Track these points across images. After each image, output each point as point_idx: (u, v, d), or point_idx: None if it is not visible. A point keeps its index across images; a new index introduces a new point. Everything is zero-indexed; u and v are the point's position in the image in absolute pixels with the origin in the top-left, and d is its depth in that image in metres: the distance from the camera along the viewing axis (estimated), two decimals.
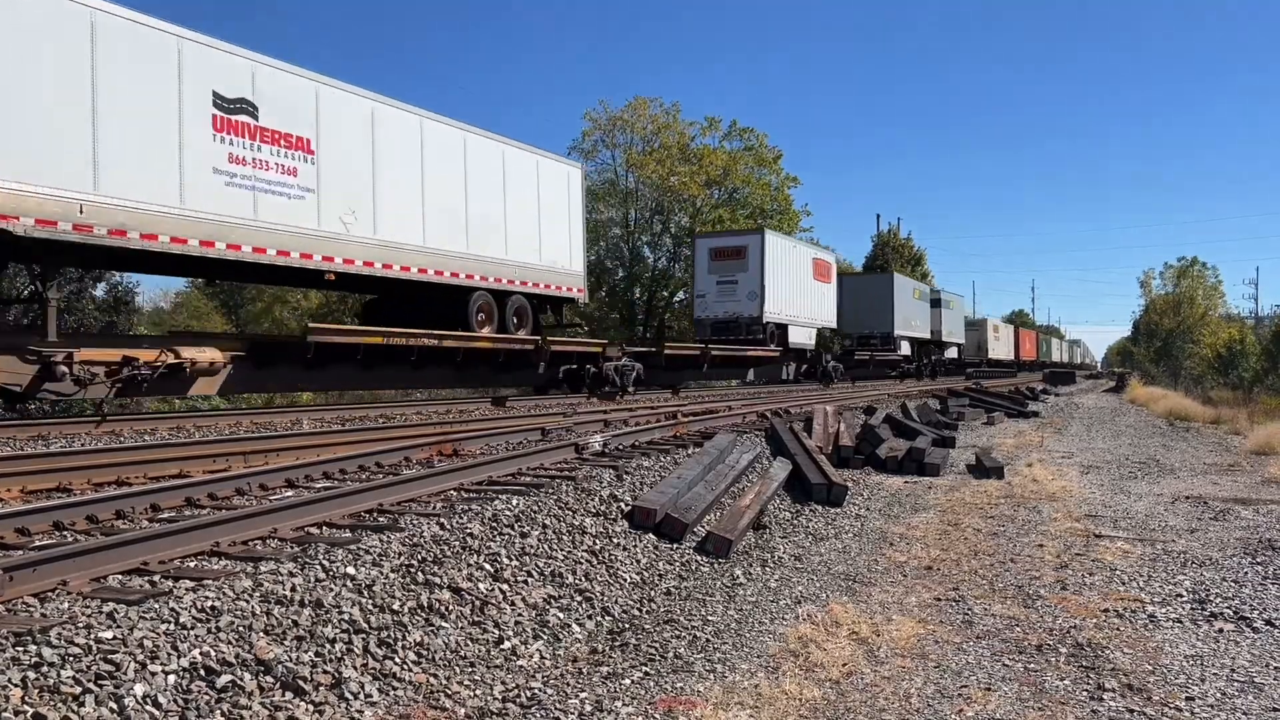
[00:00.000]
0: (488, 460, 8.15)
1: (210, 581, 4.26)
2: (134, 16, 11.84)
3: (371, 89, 15.58)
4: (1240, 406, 27.52)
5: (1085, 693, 4.49)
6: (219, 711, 3.40)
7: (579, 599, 5.54)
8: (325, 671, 3.86)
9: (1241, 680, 4.69)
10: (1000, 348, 62.13)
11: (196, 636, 3.71)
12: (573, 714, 4.03)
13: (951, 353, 51.67)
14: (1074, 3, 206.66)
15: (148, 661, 3.45)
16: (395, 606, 4.56)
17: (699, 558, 6.87)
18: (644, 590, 6.03)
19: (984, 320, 60.75)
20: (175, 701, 3.34)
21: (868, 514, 9.24)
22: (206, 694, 3.45)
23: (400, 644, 4.30)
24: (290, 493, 6.89)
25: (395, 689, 3.99)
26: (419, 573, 4.97)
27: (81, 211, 11.03)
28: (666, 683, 4.48)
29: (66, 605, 3.90)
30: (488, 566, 5.38)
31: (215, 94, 12.88)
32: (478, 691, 4.16)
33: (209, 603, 3.97)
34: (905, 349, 40.79)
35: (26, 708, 3.04)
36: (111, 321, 22.92)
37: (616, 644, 5.06)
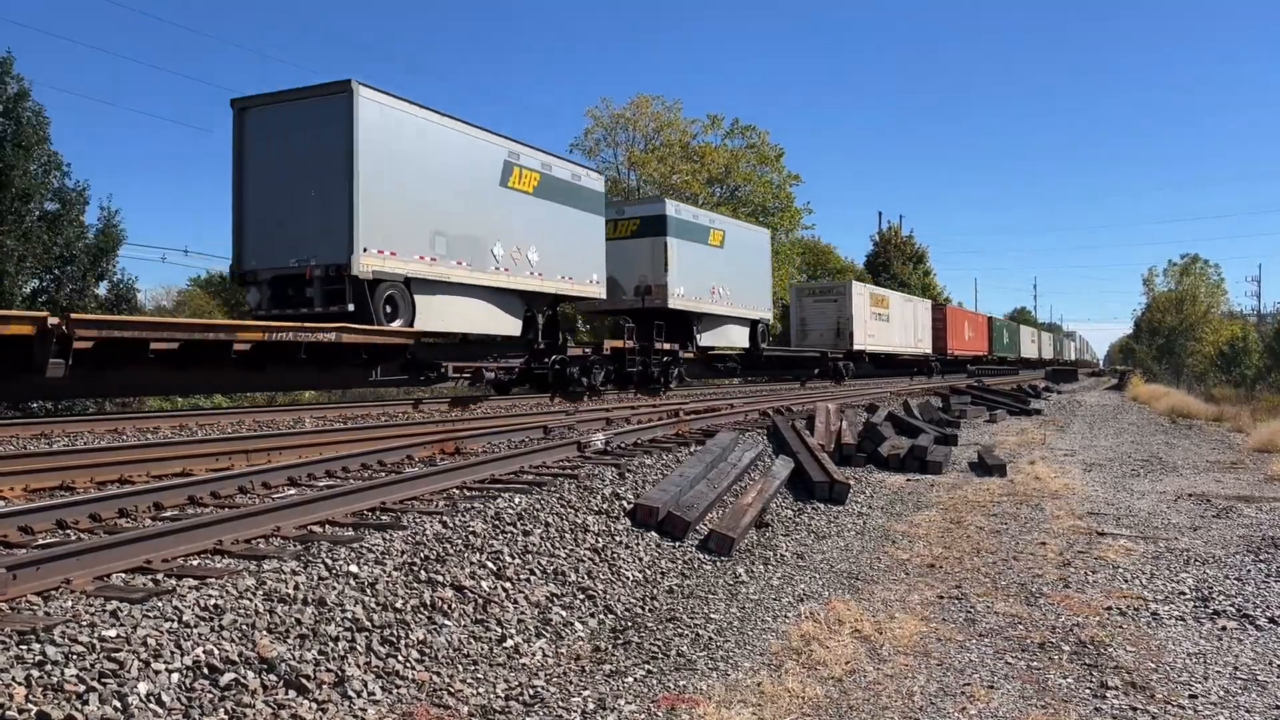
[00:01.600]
0: (490, 458, 8.15)
1: (213, 580, 4.26)
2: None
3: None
4: (1242, 404, 27.54)
5: (1088, 690, 4.49)
6: (222, 709, 3.40)
7: (581, 597, 5.55)
8: (328, 670, 3.86)
9: (1244, 678, 4.68)
10: (892, 334, 38.14)
11: (200, 635, 3.71)
12: (575, 712, 4.03)
13: (730, 336, 25.89)
14: (1076, 1, 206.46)
15: (151, 660, 3.45)
16: (398, 605, 4.56)
17: (701, 556, 6.87)
18: (646, 588, 6.03)
19: (846, 286, 35.18)
20: (179, 700, 3.35)
21: (870, 512, 9.23)
22: (210, 692, 3.45)
23: (403, 642, 4.30)
24: (293, 491, 6.89)
25: (398, 687, 3.99)
26: (422, 571, 4.97)
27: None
28: (669, 680, 4.49)
29: (70, 604, 3.91)
30: (490, 565, 5.38)
31: None
32: (481, 689, 4.16)
33: (212, 601, 3.98)
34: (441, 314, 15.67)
35: (31, 706, 3.04)
36: None
37: (619, 642, 5.06)
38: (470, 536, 5.60)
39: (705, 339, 24.95)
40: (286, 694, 3.63)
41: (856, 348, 34.06)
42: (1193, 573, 6.81)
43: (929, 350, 43.85)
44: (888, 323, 38.02)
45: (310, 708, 3.60)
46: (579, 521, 6.54)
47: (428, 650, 4.35)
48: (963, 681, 4.59)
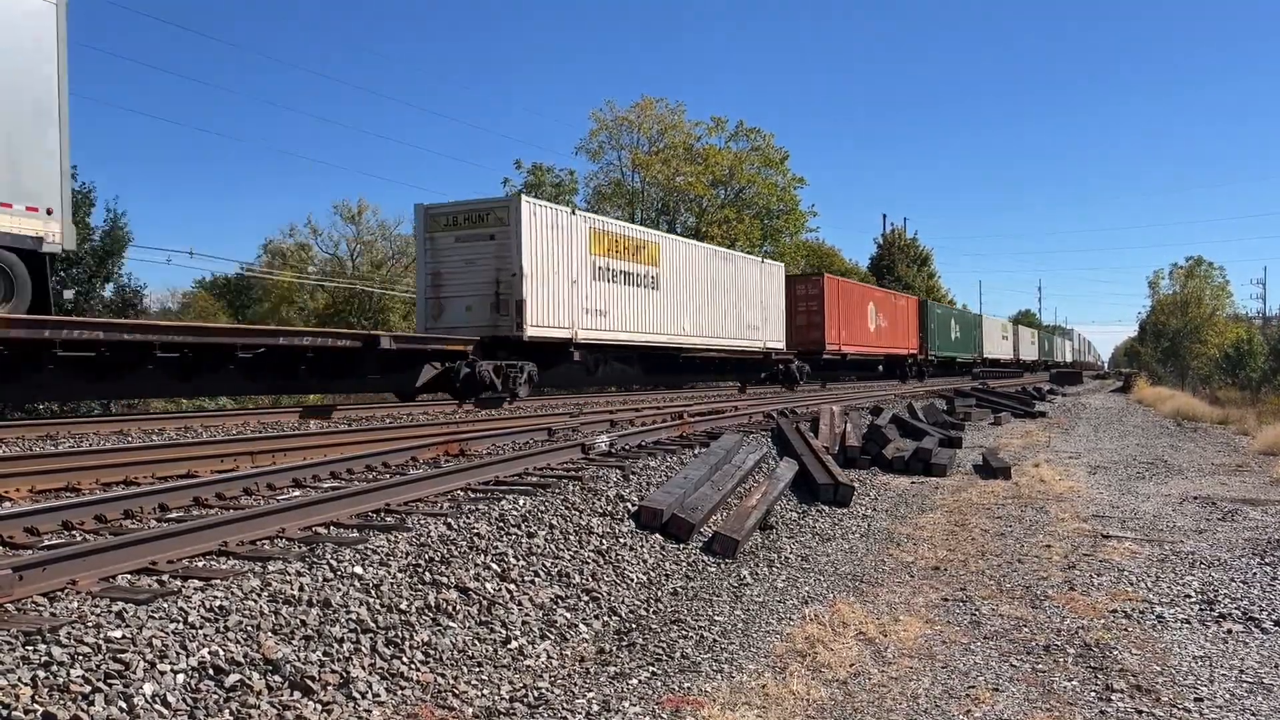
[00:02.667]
0: (494, 460, 8.15)
1: (218, 581, 4.27)
2: None
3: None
4: (1248, 407, 27.47)
5: (1093, 693, 4.48)
6: (227, 710, 3.40)
7: (586, 599, 5.55)
8: (333, 671, 3.86)
9: (1250, 681, 4.67)
10: (659, 313, 21.76)
11: (205, 636, 3.72)
12: (580, 714, 4.03)
13: None
14: (1082, 3, 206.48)
15: (157, 661, 3.46)
16: (402, 606, 4.56)
17: (706, 558, 6.87)
18: (651, 590, 6.03)
19: (511, 208, 17.49)
20: (184, 700, 3.35)
21: (874, 514, 9.22)
22: (215, 693, 3.46)
23: (408, 643, 4.30)
24: (298, 492, 6.90)
25: (403, 688, 3.99)
26: (426, 572, 4.97)
27: None
28: (674, 682, 4.48)
29: (75, 604, 3.91)
30: (495, 566, 5.38)
31: None
32: (485, 691, 4.16)
33: (217, 602, 3.98)
34: None
35: (36, 706, 3.05)
36: None
37: (624, 644, 5.06)
38: (475, 538, 5.60)
39: None
40: (291, 695, 3.63)
41: (534, 334, 17.26)
42: (1198, 575, 6.80)
43: (779, 344, 27.24)
44: (652, 290, 21.07)
45: (315, 709, 3.60)
46: (583, 523, 6.54)
47: (432, 651, 4.35)
48: (967, 684, 4.58)
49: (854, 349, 32.85)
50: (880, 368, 37.75)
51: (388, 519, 6.03)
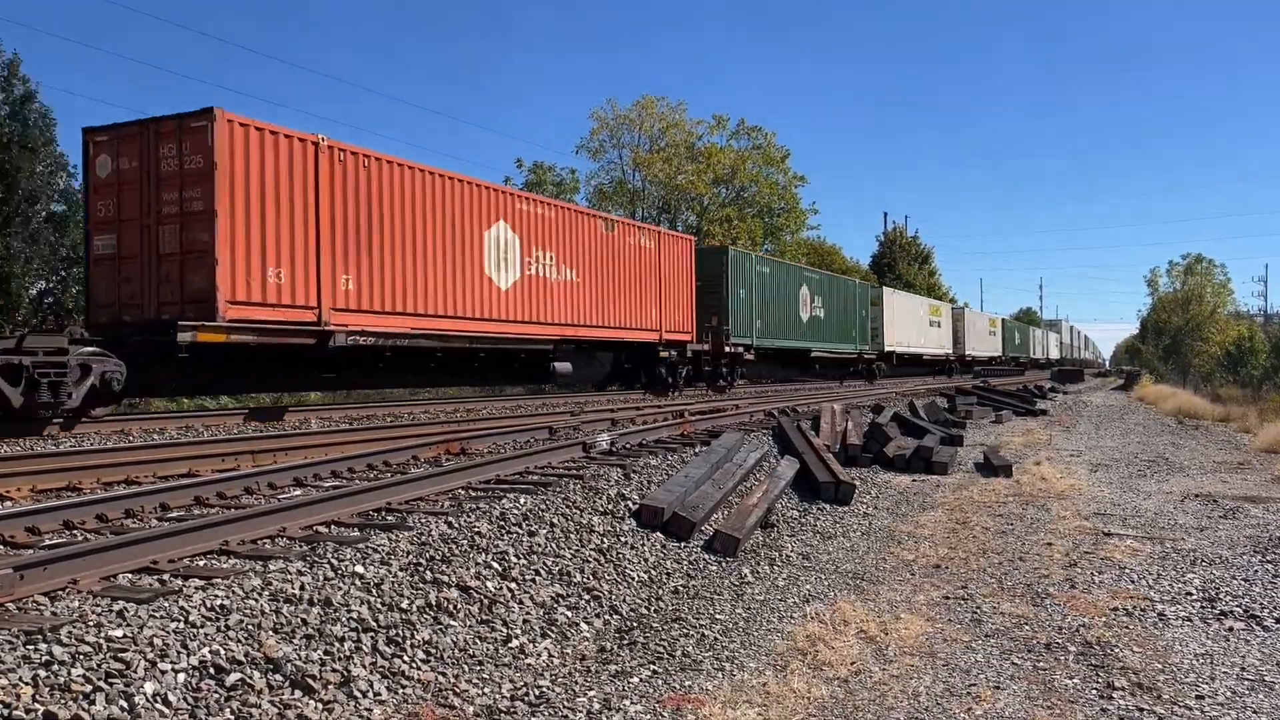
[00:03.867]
0: (495, 459, 8.15)
1: (219, 580, 4.27)
2: None
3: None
4: (1249, 404, 27.44)
5: (1095, 691, 4.47)
6: (228, 709, 3.40)
7: (587, 597, 5.55)
8: (334, 670, 3.86)
9: (1252, 678, 4.67)
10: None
11: (206, 635, 3.72)
12: (581, 712, 4.03)
13: None
14: (1083, 4, 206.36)
15: (158, 660, 3.46)
16: (403, 605, 4.56)
17: (706, 556, 6.87)
18: (652, 589, 6.03)
19: None
20: (185, 700, 3.35)
21: (875, 512, 9.22)
22: (216, 692, 3.46)
23: (409, 642, 4.30)
24: (298, 492, 6.90)
25: (404, 687, 3.99)
26: (427, 571, 4.98)
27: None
28: (674, 681, 4.48)
29: (77, 604, 3.92)
30: (496, 565, 5.38)
31: None
32: (486, 690, 4.16)
33: (218, 601, 3.99)
34: None
35: (38, 706, 3.05)
36: None
37: (624, 642, 5.06)
38: (476, 537, 5.60)
39: None
40: (292, 694, 3.64)
41: None
42: (1199, 573, 6.79)
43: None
44: None
45: (316, 708, 3.60)
46: (584, 522, 6.54)
47: (433, 650, 4.35)
48: (969, 682, 4.58)
49: (402, 326, 14.24)
50: (567, 365, 18.42)
51: (389, 518, 6.03)
